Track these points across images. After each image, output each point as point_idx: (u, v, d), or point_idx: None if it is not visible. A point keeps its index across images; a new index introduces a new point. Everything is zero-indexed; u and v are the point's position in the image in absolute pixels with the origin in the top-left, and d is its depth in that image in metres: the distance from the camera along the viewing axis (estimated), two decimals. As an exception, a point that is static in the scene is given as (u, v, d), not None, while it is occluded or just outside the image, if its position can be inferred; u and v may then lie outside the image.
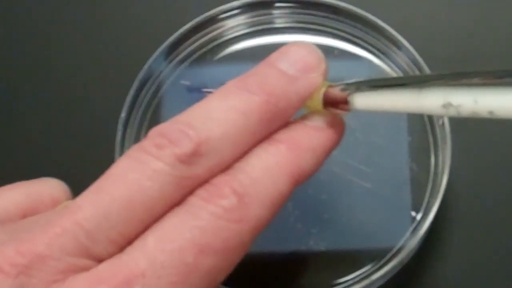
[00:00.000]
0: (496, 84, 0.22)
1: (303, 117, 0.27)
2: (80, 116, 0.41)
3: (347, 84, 0.26)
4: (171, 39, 0.38)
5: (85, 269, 0.22)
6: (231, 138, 0.24)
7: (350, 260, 0.35)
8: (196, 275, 0.22)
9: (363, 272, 0.35)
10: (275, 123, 0.26)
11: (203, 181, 0.24)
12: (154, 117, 0.38)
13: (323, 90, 0.26)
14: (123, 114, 0.36)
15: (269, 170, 0.24)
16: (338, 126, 0.27)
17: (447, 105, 0.23)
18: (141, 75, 0.37)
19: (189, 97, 0.38)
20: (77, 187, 0.24)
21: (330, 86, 0.27)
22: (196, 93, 0.38)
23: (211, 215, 0.23)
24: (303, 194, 0.36)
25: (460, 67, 0.38)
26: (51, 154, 0.40)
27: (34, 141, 0.41)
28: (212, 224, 0.23)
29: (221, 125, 0.24)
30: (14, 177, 0.29)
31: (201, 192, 0.24)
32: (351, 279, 0.34)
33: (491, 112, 0.22)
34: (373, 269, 0.34)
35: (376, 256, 0.35)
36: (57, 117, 0.41)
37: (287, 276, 0.35)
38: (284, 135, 0.26)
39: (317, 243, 0.35)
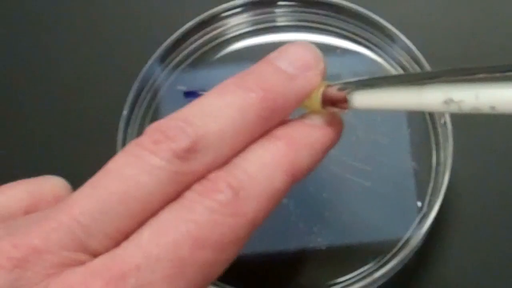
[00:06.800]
0: (498, 79, 0.22)
1: (302, 116, 0.27)
2: (81, 116, 0.41)
3: (346, 83, 0.26)
4: (172, 37, 0.38)
5: (81, 263, 0.22)
6: (228, 134, 0.24)
7: (352, 258, 0.35)
8: (191, 269, 0.22)
9: (365, 270, 0.35)
10: (273, 121, 0.26)
11: (200, 177, 0.24)
12: (154, 117, 0.38)
13: (321, 89, 0.26)
14: (125, 112, 0.36)
15: (265, 165, 0.24)
16: (337, 125, 0.27)
17: (448, 101, 0.23)
18: (142, 74, 0.37)
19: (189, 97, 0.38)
20: (78, 185, 0.24)
21: (329, 86, 0.27)
22: (195, 95, 0.38)
23: (207, 209, 0.23)
24: (305, 192, 0.36)
25: (461, 63, 0.38)
26: (53, 152, 0.41)
27: (36, 139, 0.41)
28: (207, 218, 0.23)
29: (218, 121, 0.24)
30: (16, 175, 0.29)
31: (197, 186, 0.24)
32: (353, 277, 0.35)
33: (493, 107, 0.22)
34: (375, 267, 0.34)
35: (378, 254, 0.35)
36: (59, 117, 0.41)
37: (288, 275, 0.35)
38: (282, 132, 0.26)
39: (318, 242, 0.35)
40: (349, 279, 0.34)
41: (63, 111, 0.41)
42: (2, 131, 0.42)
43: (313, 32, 0.39)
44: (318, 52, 0.27)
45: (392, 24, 0.37)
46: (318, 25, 0.39)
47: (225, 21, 0.39)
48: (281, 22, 0.39)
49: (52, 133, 0.41)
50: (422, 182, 0.36)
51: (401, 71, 0.37)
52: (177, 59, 0.39)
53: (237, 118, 0.25)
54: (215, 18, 0.39)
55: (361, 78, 0.26)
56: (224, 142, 0.24)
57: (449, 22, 0.41)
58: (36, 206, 0.27)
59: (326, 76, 0.27)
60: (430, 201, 0.35)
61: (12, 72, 0.43)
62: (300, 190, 0.36)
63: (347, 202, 0.36)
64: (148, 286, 0.22)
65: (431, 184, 0.35)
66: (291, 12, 0.39)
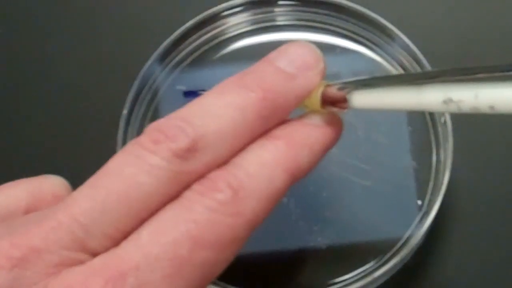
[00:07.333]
0: (497, 79, 0.22)
1: (301, 116, 0.27)
2: (81, 115, 0.41)
3: (345, 82, 0.26)
4: (172, 37, 0.38)
5: (80, 263, 0.22)
6: (227, 134, 0.24)
7: (352, 257, 0.35)
8: (190, 268, 0.22)
9: (365, 270, 0.35)
10: (272, 120, 0.26)
11: (200, 176, 0.24)
12: (154, 116, 0.38)
13: (321, 89, 0.26)
14: (124, 111, 0.36)
15: (265, 165, 0.24)
16: (336, 125, 0.27)
17: (447, 101, 0.23)
18: (142, 73, 0.37)
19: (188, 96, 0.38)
20: (78, 185, 0.24)
21: (328, 85, 0.27)
22: (195, 95, 0.38)
23: (206, 209, 0.23)
24: (305, 192, 0.36)
25: (461, 63, 0.38)
26: (53, 152, 0.41)
27: (36, 139, 0.41)
28: (206, 218, 0.23)
29: (218, 121, 0.24)
30: (15, 174, 0.29)
31: (196, 186, 0.24)
32: (353, 276, 0.34)
33: (491, 107, 0.22)
34: (375, 266, 0.34)
35: (378, 253, 0.35)
36: (59, 117, 0.41)
37: (288, 274, 0.35)
38: (281, 132, 0.26)
39: (318, 241, 0.35)
40: (349, 278, 0.34)
41: (63, 111, 0.41)
42: (2, 131, 0.42)
43: (312, 31, 0.39)
44: (318, 51, 0.27)
45: (392, 24, 0.37)
46: (317, 24, 0.39)
47: (224, 21, 0.39)
48: (280, 21, 0.39)
49: (52, 133, 0.41)
50: (422, 181, 0.36)
51: (401, 71, 0.37)
52: (177, 58, 0.39)
53: (237, 118, 0.25)
54: (214, 18, 0.39)
55: (360, 77, 0.26)
56: (223, 142, 0.24)
57: (449, 22, 0.41)
58: (35, 206, 0.27)
59: (326, 75, 0.27)
60: (430, 200, 0.35)
61: (12, 72, 0.43)
62: (301, 190, 0.36)
63: (347, 201, 0.36)
64: (148, 286, 0.22)
65: (431, 183, 0.35)
66: (290, 11, 0.39)
